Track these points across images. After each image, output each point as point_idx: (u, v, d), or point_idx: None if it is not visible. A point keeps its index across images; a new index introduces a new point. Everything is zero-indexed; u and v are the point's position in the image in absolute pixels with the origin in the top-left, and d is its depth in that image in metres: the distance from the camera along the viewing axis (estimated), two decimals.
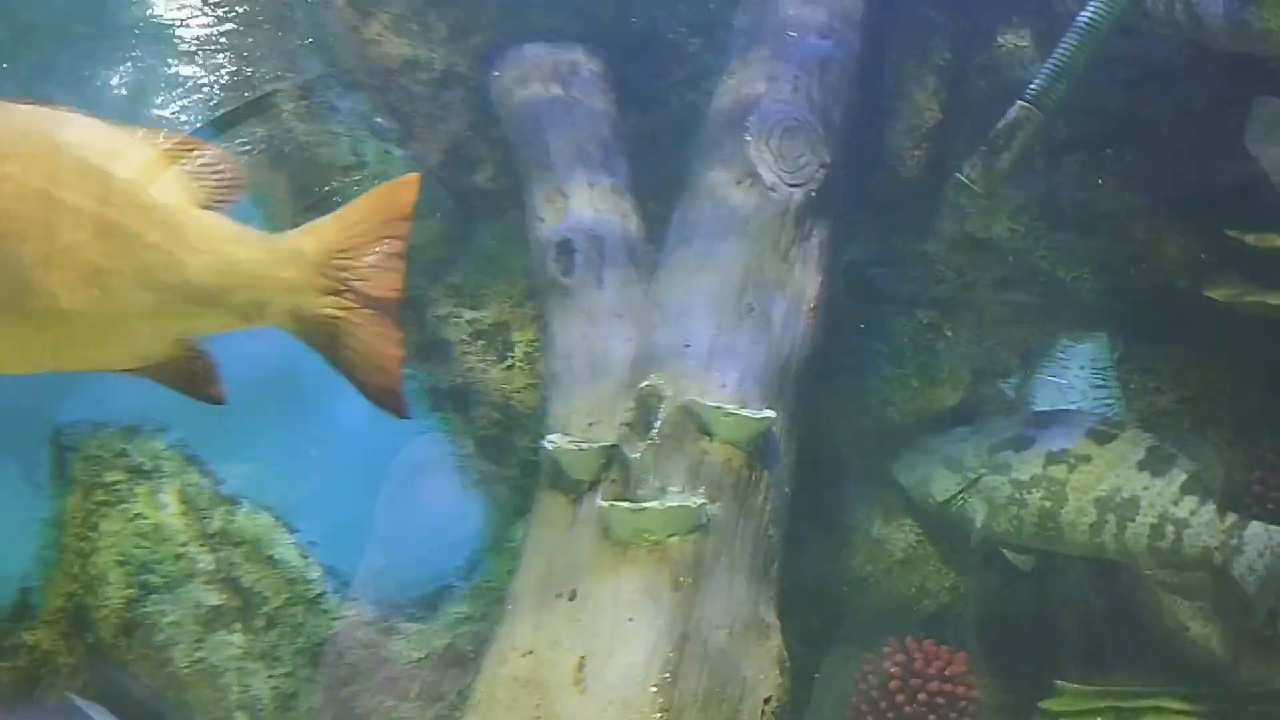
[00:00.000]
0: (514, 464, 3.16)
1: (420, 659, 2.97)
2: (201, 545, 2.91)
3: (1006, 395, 3.55)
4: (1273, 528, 2.94)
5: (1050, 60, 2.94)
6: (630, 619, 2.39)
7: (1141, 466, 3.05)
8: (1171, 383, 3.53)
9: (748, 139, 2.95)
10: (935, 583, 3.40)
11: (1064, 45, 2.90)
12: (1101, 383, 3.60)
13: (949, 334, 3.58)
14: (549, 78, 3.20)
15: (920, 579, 3.40)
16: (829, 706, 3.19)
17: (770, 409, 2.65)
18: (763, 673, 2.48)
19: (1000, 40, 3.50)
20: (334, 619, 2.97)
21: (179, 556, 2.89)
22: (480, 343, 3.17)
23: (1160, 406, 3.51)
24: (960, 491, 3.22)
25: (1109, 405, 3.51)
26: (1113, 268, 3.51)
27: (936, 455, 3.29)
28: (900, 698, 3.20)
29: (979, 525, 3.21)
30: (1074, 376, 3.60)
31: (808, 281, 2.93)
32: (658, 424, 2.57)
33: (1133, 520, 3.01)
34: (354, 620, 2.99)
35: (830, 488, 3.35)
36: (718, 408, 2.57)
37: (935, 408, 3.50)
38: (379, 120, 3.15)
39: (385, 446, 3.08)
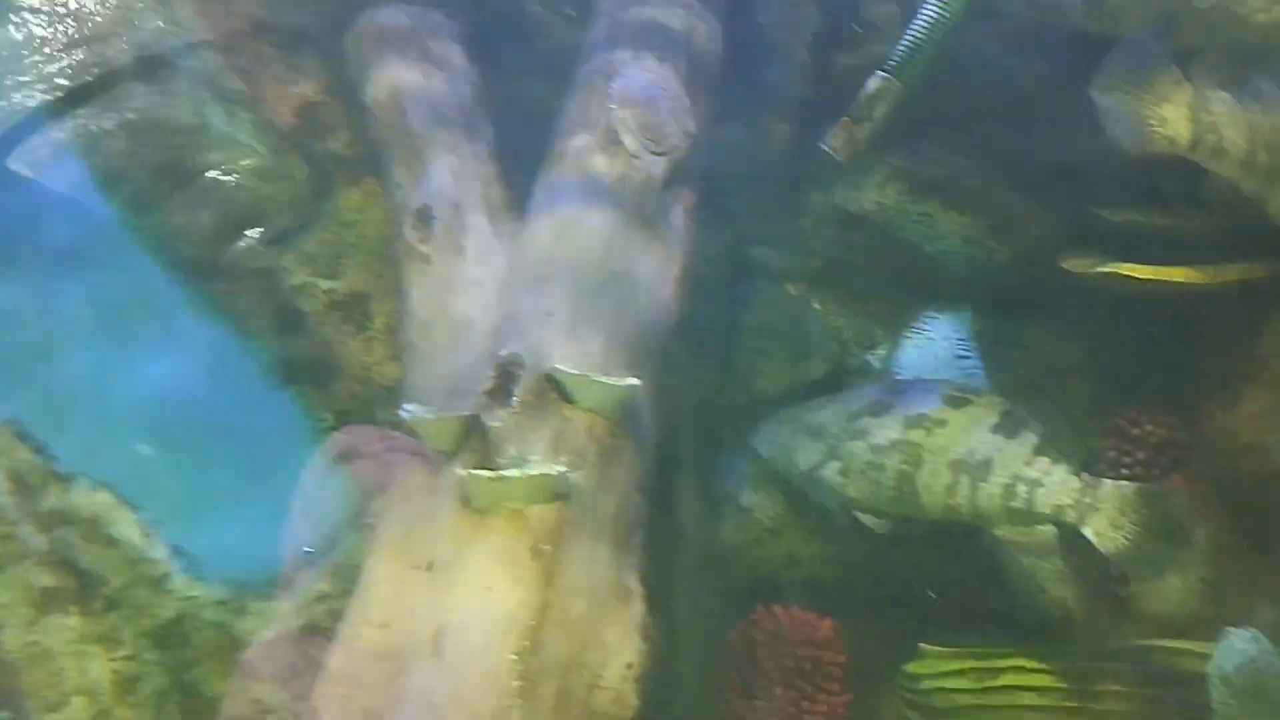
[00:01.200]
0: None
1: (274, 638, 2.87)
2: (33, 525, 2.77)
3: (873, 366, 3.60)
4: (1124, 484, 3.00)
5: (908, 32, 2.97)
6: (489, 588, 2.35)
7: (995, 430, 3.09)
8: (1031, 355, 3.62)
9: (612, 106, 2.92)
10: (803, 551, 3.43)
11: (922, 16, 2.93)
12: (964, 354, 3.67)
13: (817, 306, 3.61)
14: (407, 41, 3.12)
15: (788, 547, 3.43)
16: (696, 675, 3.19)
17: (634, 377, 2.62)
18: (625, 639, 2.47)
19: (868, 12, 3.52)
20: (180, 599, 2.86)
21: (8, 537, 2.75)
22: (337, 313, 3.09)
23: (1020, 378, 3.59)
24: (821, 459, 3.24)
25: (971, 377, 3.58)
26: (976, 241, 3.57)
27: (797, 424, 3.32)
28: (768, 664, 3.23)
29: (839, 491, 3.23)
30: (938, 348, 3.66)
31: (673, 250, 2.92)
32: (519, 392, 2.52)
33: (985, 481, 3.04)
34: (202, 600, 2.89)
35: (699, 458, 3.35)
36: (580, 375, 2.54)
37: (804, 379, 3.53)
38: (225, 83, 3.03)
39: (237, 420, 2.98)
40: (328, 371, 3.12)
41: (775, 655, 3.23)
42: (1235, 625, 3.08)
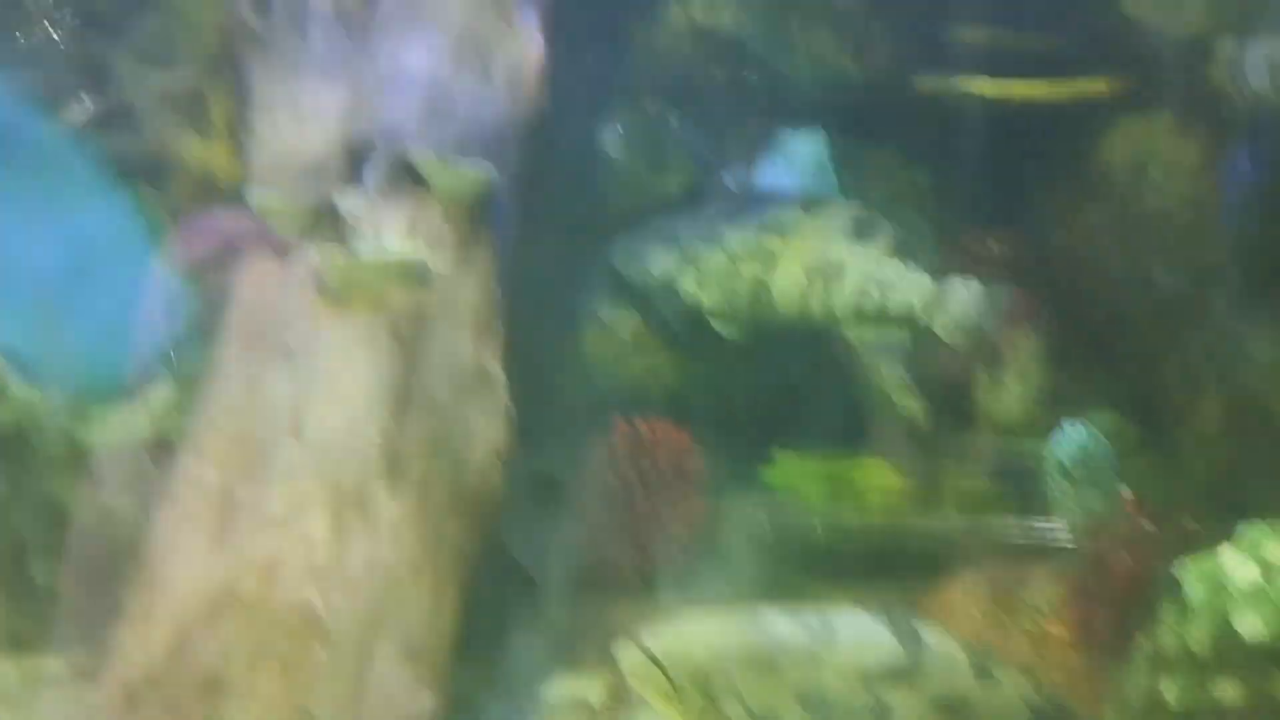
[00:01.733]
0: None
1: (123, 447, 2.78)
2: None
3: (728, 183, 3.62)
4: (971, 281, 3.11)
5: None
6: (348, 371, 2.31)
7: (848, 234, 3.16)
8: (882, 175, 3.67)
9: None
10: (662, 363, 3.46)
11: None
12: (818, 173, 3.71)
13: (675, 123, 3.59)
14: None
15: (648, 360, 3.45)
16: (558, 486, 3.21)
17: (491, 166, 2.58)
18: (490, 423, 2.47)
19: None
20: (18, 406, 2.74)
21: None
22: (172, 107, 2.93)
23: (871, 198, 3.65)
24: (676, 267, 3.25)
25: (823, 194, 3.62)
26: (830, 61, 3.58)
27: (652, 236, 3.31)
28: (629, 473, 3.27)
29: (695, 299, 3.25)
30: (793, 167, 3.70)
31: (529, 44, 2.85)
32: (372, 175, 2.46)
33: (839, 283, 3.11)
34: (42, 408, 2.77)
35: (558, 272, 3.32)
36: (435, 159, 2.49)
37: (661, 194, 3.52)
38: None
39: (73, 222, 2.83)
40: (164, 170, 2.98)
41: (635, 464, 3.28)
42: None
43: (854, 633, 1.82)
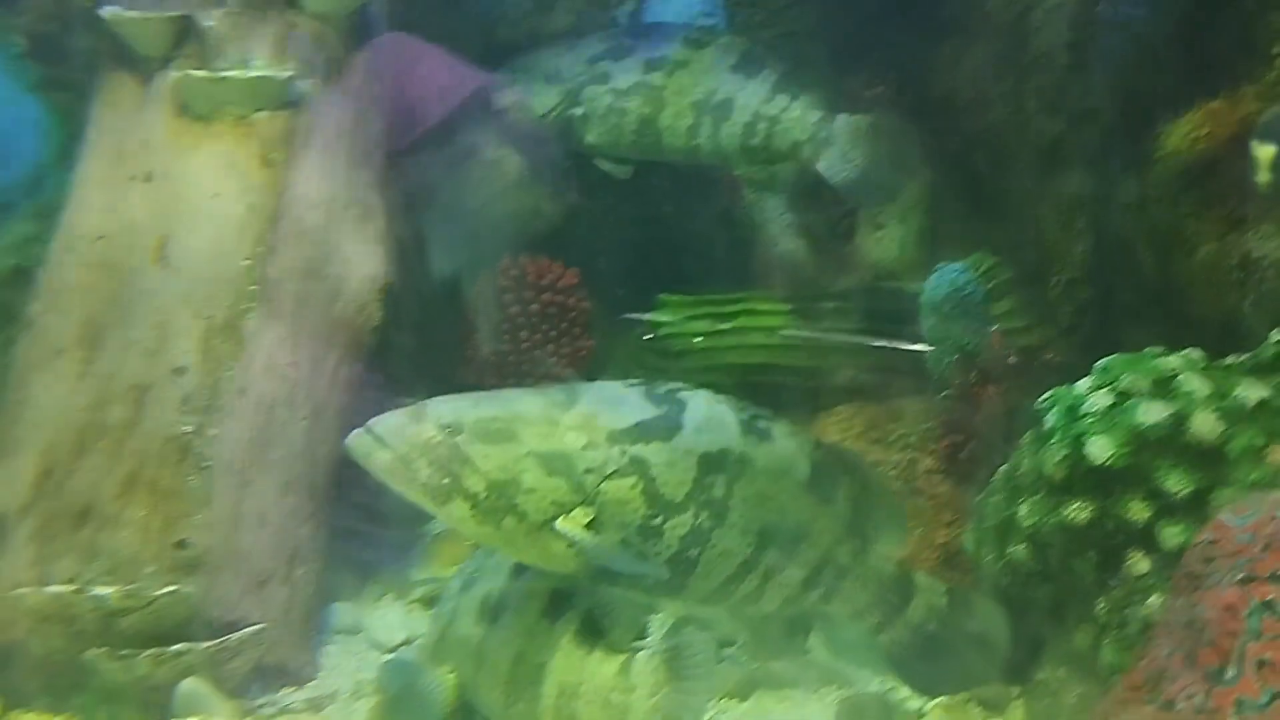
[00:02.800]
0: (76, 66, 2.81)
1: None
2: None
3: (619, 18, 3.54)
4: (857, 116, 3.11)
5: None
6: (216, 195, 2.25)
7: (735, 70, 3.12)
8: (769, 17, 3.62)
9: None
10: (547, 203, 3.42)
11: None
12: (707, 13, 3.65)
13: None
14: None
15: (534, 200, 3.41)
16: (445, 320, 3.20)
17: None
18: (367, 254, 2.43)
19: None
20: None
21: None
22: None
23: (757, 37, 3.60)
24: (560, 104, 3.20)
25: (710, 29, 3.56)
26: None
27: (534, 71, 3.24)
28: (514, 310, 3.27)
29: (579, 137, 3.22)
30: (680, 5, 3.63)
31: None
32: None
33: (727, 120, 3.09)
34: None
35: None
36: None
37: (549, 29, 3.44)
38: None
39: None
40: None
41: (521, 301, 3.28)
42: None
43: (598, 398, 1.81)
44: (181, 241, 2.21)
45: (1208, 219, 2.63)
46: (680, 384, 1.96)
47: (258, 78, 2.26)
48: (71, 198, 2.33)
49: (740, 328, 3.37)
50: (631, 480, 1.75)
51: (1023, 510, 2.25)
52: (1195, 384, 2.19)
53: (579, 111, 3.22)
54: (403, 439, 1.71)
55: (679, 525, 1.78)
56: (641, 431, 1.78)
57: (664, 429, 1.79)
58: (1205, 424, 2.12)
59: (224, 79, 2.24)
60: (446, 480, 1.69)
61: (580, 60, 3.23)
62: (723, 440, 1.84)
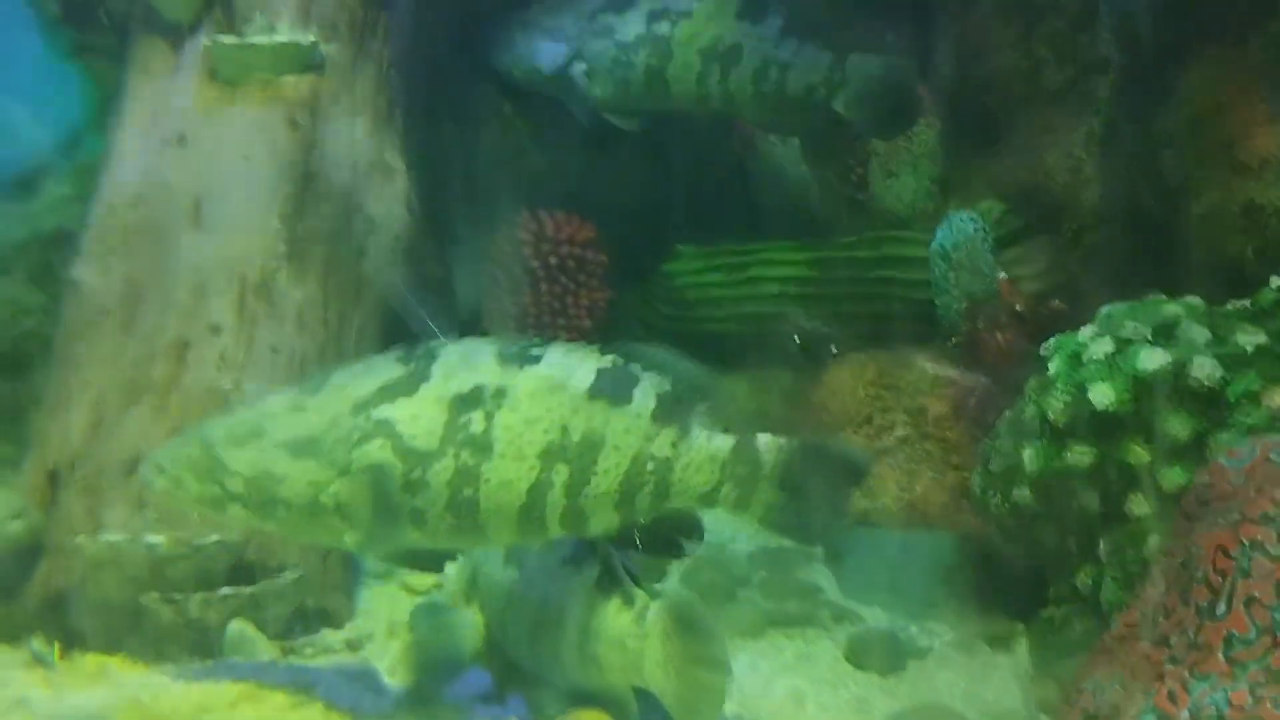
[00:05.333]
0: (109, 31, 2.88)
1: (25, 240, 2.78)
2: None
3: None
4: (869, 56, 3.13)
5: None
6: (247, 158, 2.32)
7: (741, 16, 3.11)
8: None
9: None
10: (565, 158, 3.48)
11: None
12: None
13: None
14: None
15: (550, 155, 3.46)
16: (469, 272, 3.26)
17: None
18: (390, 212, 2.50)
19: None
20: None
21: None
22: None
23: None
24: (565, 61, 3.20)
25: None
26: None
27: (534, 28, 3.24)
28: (534, 264, 3.35)
29: (587, 92, 3.22)
30: None
31: None
32: None
33: (736, 67, 3.10)
34: None
35: (460, 70, 3.29)
36: None
37: None
38: None
39: None
40: None
41: (540, 255, 3.35)
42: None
43: (347, 374, 1.83)
44: (215, 203, 2.29)
45: (1213, 166, 2.67)
46: (473, 340, 1.91)
47: (284, 43, 2.33)
48: (108, 162, 2.41)
49: (755, 277, 3.44)
50: (379, 442, 1.76)
51: (1027, 454, 2.32)
52: (1195, 330, 2.25)
53: (583, 67, 3.23)
54: (173, 461, 1.79)
55: (441, 470, 1.77)
56: (385, 393, 1.79)
57: (408, 384, 1.80)
58: (1204, 369, 2.18)
59: (251, 45, 2.30)
60: (215, 489, 1.76)
61: (581, 15, 3.22)
62: (475, 378, 1.80)
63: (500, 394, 1.81)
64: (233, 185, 2.29)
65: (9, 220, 2.79)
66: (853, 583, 2.62)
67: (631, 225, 3.48)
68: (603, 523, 1.86)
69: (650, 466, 1.85)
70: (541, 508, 1.81)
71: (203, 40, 2.36)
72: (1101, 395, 2.22)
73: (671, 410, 1.87)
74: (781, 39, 3.10)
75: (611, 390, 1.85)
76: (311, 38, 2.38)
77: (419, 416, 1.79)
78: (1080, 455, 2.25)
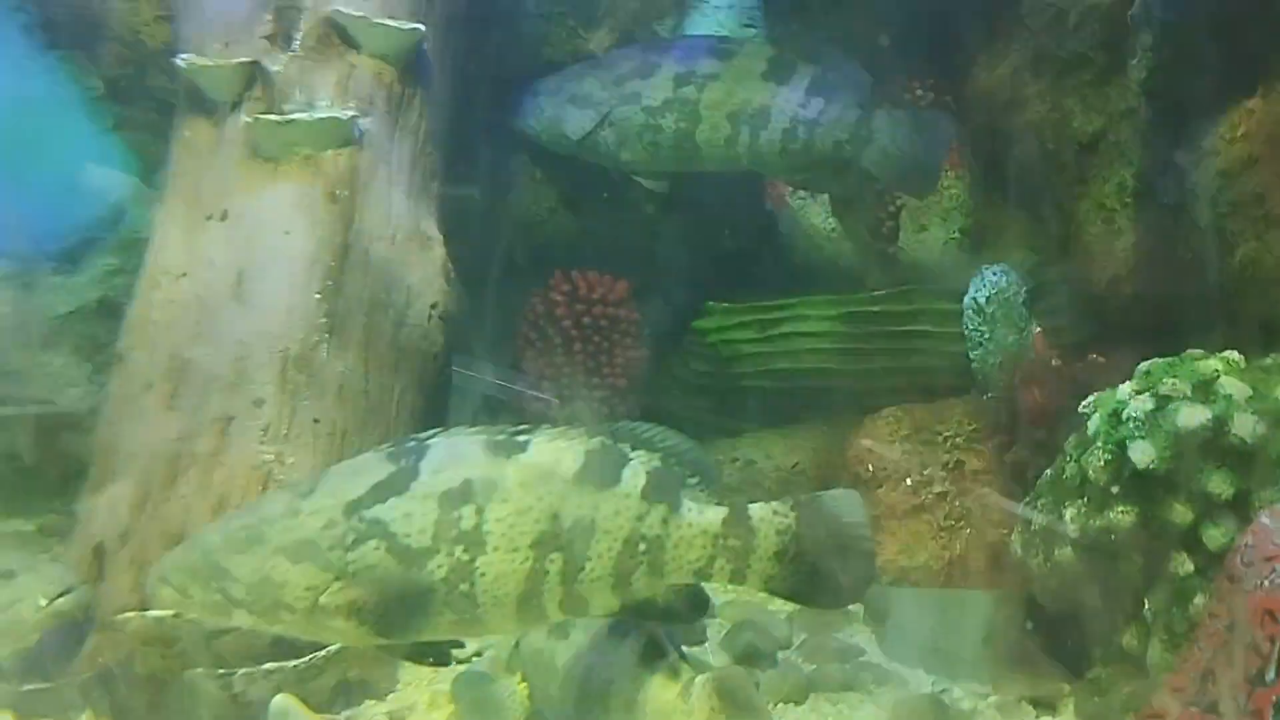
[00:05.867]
0: (151, 107, 2.95)
1: (70, 312, 2.83)
2: None
3: (661, 36, 3.61)
4: (896, 111, 3.15)
5: None
6: (287, 232, 2.36)
7: (766, 77, 3.15)
8: (810, 27, 3.68)
9: None
10: (598, 220, 3.51)
11: None
12: (749, 25, 3.71)
13: None
14: None
15: (582, 220, 3.50)
16: (502, 331, 3.29)
17: (419, 24, 2.58)
18: (428, 282, 2.53)
19: None
20: None
21: None
22: None
23: (799, 49, 3.65)
24: (594, 127, 3.23)
25: (736, 39, 3.60)
26: None
27: (561, 95, 3.28)
28: (567, 323, 3.37)
29: (614, 157, 3.25)
30: (723, 19, 3.69)
31: None
32: (300, 37, 2.46)
33: (765, 129, 3.13)
34: None
35: (493, 128, 3.34)
36: (363, 18, 2.49)
37: (592, 48, 3.51)
38: None
39: (6, 90, 2.79)
40: (92, 34, 2.93)
41: (574, 315, 3.38)
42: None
43: (339, 474, 1.85)
44: (256, 277, 2.32)
45: (1246, 219, 2.67)
46: (460, 431, 1.91)
47: (323, 119, 2.37)
48: (154, 236, 2.45)
49: (787, 333, 3.44)
50: (373, 543, 1.77)
51: (1069, 514, 2.31)
52: (1235, 387, 2.24)
53: (612, 133, 3.26)
54: (176, 571, 1.82)
55: (437, 568, 1.78)
56: (377, 493, 1.80)
57: (399, 483, 1.81)
58: (1245, 427, 2.17)
59: (292, 122, 2.34)
60: (218, 597, 1.79)
61: (607, 81, 3.26)
62: (463, 472, 1.81)
63: (490, 486, 1.83)
64: (274, 259, 2.33)
65: (55, 292, 2.84)
66: (894, 644, 2.60)
67: (663, 282, 3.51)
68: (602, 605, 1.86)
69: (642, 546, 1.86)
70: (539, 596, 1.82)
71: (244, 117, 2.40)
72: (1142, 454, 2.21)
73: (661, 487, 1.88)
74: (808, 98, 3.14)
75: (600, 472, 1.86)
76: (350, 113, 2.42)
77: (411, 515, 1.81)
78: (1122, 515, 2.24)
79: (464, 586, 1.80)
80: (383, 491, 1.82)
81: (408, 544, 1.80)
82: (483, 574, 1.80)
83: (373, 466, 1.85)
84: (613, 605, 1.87)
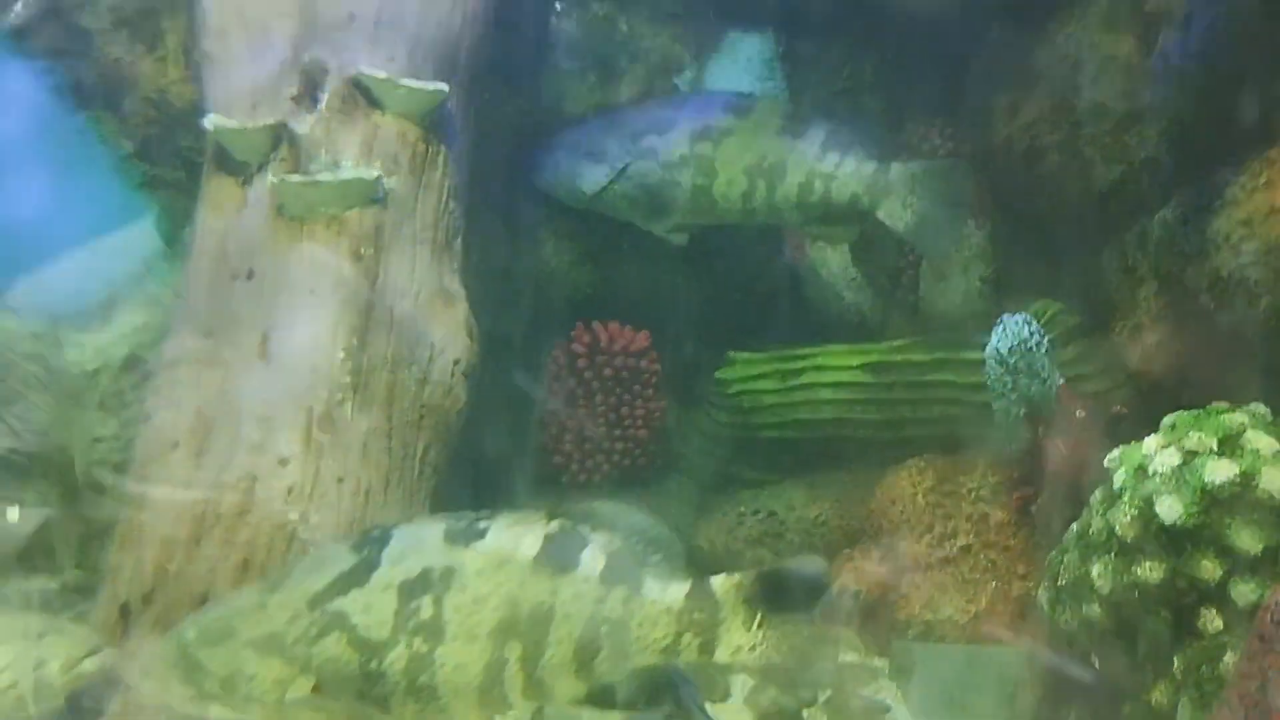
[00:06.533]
0: (178, 165, 3.00)
1: (97, 369, 2.85)
2: None
3: (680, 89, 3.65)
4: (912, 163, 3.18)
5: None
6: (312, 291, 2.38)
7: (782, 132, 3.19)
8: (830, 74, 3.71)
9: None
10: (618, 272, 3.53)
11: None
12: (767, 76, 3.75)
13: (624, 28, 3.60)
14: None
15: (602, 272, 3.52)
16: (521, 388, 3.30)
17: (441, 84, 2.61)
18: (451, 338, 2.55)
19: None
20: None
21: None
22: (125, 31, 2.93)
23: (819, 96, 3.69)
24: (610, 183, 3.26)
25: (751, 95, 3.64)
26: None
27: (578, 151, 3.31)
28: (588, 375, 3.38)
29: (630, 211, 3.29)
30: (743, 70, 3.73)
31: None
32: (325, 98, 2.49)
33: (781, 182, 3.16)
34: (16, 333, 2.82)
35: (516, 182, 3.37)
36: (387, 79, 2.52)
37: (611, 101, 3.55)
38: None
39: (32, 149, 2.84)
40: (120, 94, 2.99)
41: (594, 366, 3.39)
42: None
43: (305, 567, 1.86)
44: (281, 336, 2.33)
45: (1269, 268, 2.66)
46: (423, 519, 1.95)
47: (348, 180, 2.39)
48: (181, 295, 2.48)
49: (808, 384, 3.44)
50: (335, 636, 1.78)
51: (1096, 569, 2.29)
52: (1262, 440, 2.22)
53: (628, 188, 3.29)
54: (156, 665, 1.84)
55: (396, 659, 1.77)
56: (339, 585, 1.81)
57: (360, 574, 1.81)
58: (1273, 481, 2.15)
59: (317, 183, 2.37)
60: (193, 690, 1.80)
61: (624, 136, 3.30)
62: (422, 561, 1.81)
63: (448, 575, 1.82)
64: (299, 318, 2.35)
65: (82, 349, 2.87)
66: (920, 700, 2.58)
67: (684, 333, 3.52)
68: (567, 690, 1.85)
69: (605, 629, 1.83)
70: (500, 684, 1.80)
71: (270, 178, 2.43)
72: (1169, 509, 2.20)
73: (621, 568, 1.86)
74: (824, 152, 3.16)
75: (559, 557, 1.85)
76: (375, 172, 2.45)
77: (371, 606, 1.81)
78: (1150, 571, 2.22)
79: (424, 678, 1.80)
80: (345, 583, 1.83)
81: (368, 636, 1.80)
82: (442, 664, 1.80)
83: (337, 558, 1.86)
84: (579, 690, 1.85)
